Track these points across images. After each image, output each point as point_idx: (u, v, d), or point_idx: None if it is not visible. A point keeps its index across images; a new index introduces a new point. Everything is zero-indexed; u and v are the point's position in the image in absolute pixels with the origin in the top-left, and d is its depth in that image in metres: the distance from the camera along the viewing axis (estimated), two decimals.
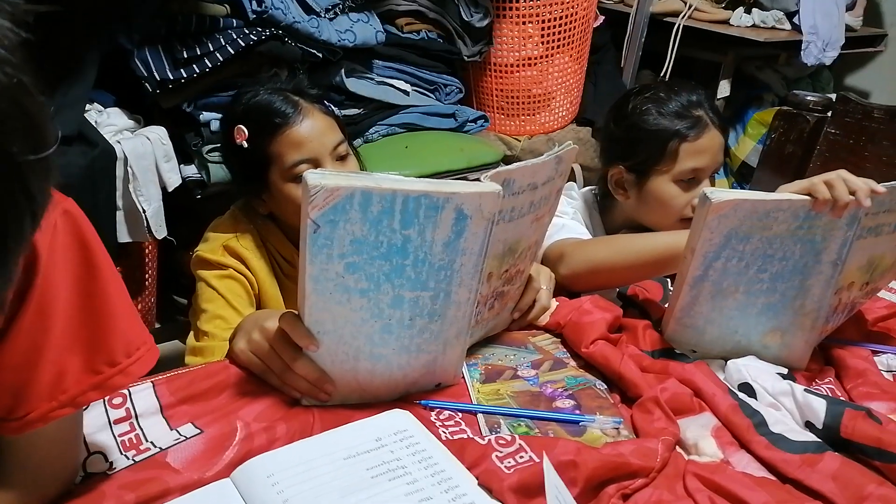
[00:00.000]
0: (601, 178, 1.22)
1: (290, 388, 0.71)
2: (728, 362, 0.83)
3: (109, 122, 1.41)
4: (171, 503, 0.57)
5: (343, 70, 1.69)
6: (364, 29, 1.67)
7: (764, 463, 0.69)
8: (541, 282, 0.91)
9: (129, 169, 1.38)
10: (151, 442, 0.64)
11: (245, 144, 1.05)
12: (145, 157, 1.39)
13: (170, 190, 1.46)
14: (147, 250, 1.54)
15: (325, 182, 0.60)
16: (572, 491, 0.59)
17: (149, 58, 1.42)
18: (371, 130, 1.79)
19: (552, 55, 1.98)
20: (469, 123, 1.94)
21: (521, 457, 0.64)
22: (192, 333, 1.04)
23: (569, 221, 1.13)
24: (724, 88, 2.44)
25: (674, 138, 1.09)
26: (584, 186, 1.29)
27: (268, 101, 1.05)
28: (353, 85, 1.72)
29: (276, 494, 0.57)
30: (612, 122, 1.19)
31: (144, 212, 1.41)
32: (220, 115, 1.46)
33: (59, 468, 0.57)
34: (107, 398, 0.66)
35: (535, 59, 1.98)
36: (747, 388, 0.78)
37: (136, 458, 0.62)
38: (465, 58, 1.92)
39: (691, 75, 2.50)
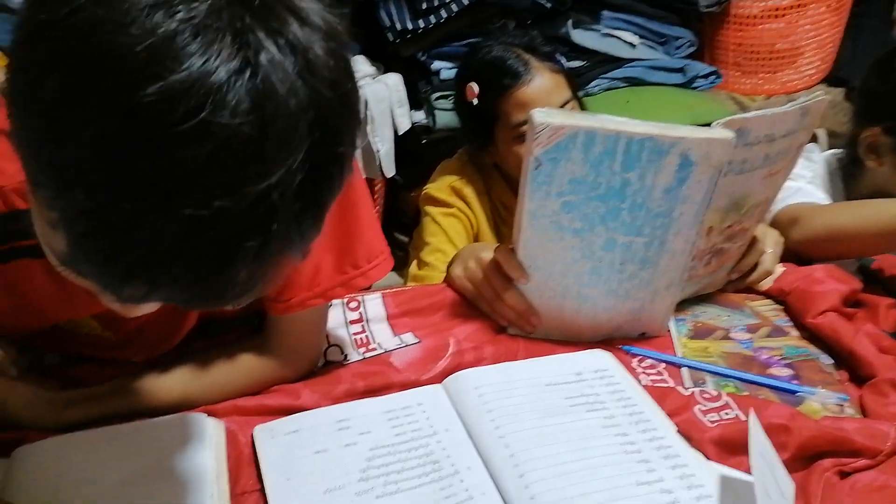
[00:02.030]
0: (850, 141, 1.09)
1: (499, 315, 0.76)
2: None
3: (355, 68, 1.56)
4: (392, 395, 0.65)
5: (570, 21, 1.67)
6: None
7: None
8: (766, 244, 0.85)
9: (368, 112, 1.52)
10: (378, 343, 0.73)
11: (475, 101, 1.09)
12: (382, 101, 1.53)
13: (400, 133, 1.59)
14: (376, 188, 1.70)
15: (551, 120, 0.62)
16: (781, 455, 0.56)
17: (392, 9, 1.54)
18: (592, 84, 1.75)
19: (805, 5, 1.77)
20: (699, 80, 1.82)
21: (727, 413, 0.63)
22: (414, 263, 1.14)
23: (805, 186, 1.02)
24: None
25: None
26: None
27: (500, 59, 1.07)
28: (579, 37, 1.70)
29: (482, 405, 0.63)
30: (876, 76, 1.04)
31: (378, 151, 1.55)
32: (449, 64, 1.54)
33: (308, 348, 0.68)
34: (345, 301, 0.76)
35: (784, 9, 1.78)
36: None
37: (366, 355, 0.71)
38: (702, 8, 1.79)
39: None
